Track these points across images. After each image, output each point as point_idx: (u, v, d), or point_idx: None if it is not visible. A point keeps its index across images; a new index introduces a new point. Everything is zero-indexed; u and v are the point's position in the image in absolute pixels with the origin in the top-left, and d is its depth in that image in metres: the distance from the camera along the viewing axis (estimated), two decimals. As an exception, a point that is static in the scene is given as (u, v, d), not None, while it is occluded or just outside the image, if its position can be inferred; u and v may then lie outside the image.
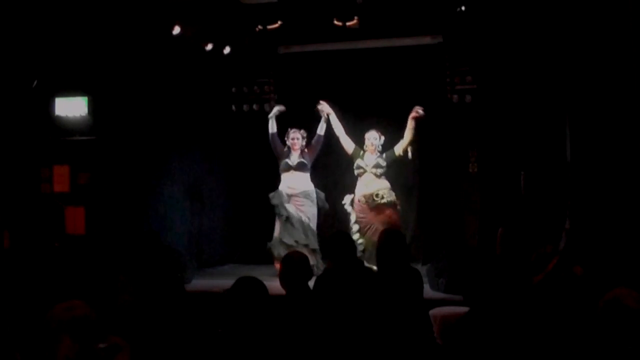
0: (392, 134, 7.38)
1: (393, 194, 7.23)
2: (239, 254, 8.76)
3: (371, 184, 7.18)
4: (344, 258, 4.25)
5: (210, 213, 8.74)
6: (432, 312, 4.80)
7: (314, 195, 7.45)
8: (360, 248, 6.95)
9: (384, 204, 7.12)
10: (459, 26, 7.61)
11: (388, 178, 7.37)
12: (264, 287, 3.08)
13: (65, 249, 7.00)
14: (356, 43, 8.22)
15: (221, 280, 6.78)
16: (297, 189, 7.38)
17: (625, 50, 5.89)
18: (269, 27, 7.48)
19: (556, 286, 3.94)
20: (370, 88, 8.41)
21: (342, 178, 8.00)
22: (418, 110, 7.11)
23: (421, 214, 8.39)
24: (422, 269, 6.07)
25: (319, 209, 7.48)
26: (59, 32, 7.17)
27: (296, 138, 7.44)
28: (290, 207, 7.33)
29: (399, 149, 7.23)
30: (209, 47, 7.79)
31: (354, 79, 8.44)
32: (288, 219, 7.28)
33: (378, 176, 7.19)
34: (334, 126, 7.37)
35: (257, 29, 7.57)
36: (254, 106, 8.70)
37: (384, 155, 7.26)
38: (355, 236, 7.02)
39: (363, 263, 5.16)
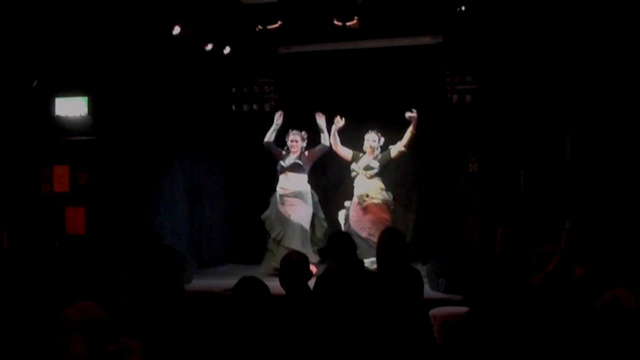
0: (392, 134, 7.39)
1: (386, 194, 7.37)
2: (239, 254, 8.76)
3: (363, 185, 7.34)
4: (344, 258, 4.25)
5: (210, 213, 8.74)
6: (432, 312, 4.80)
7: (308, 196, 7.44)
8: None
9: (374, 203, 7.28)
10: (459, 26, 7.61)
11: (388, 178, 7.40)
12: (265, 288, 3.09)
13: (65, 249, 7.02)
14: (356, 43, 8.21)
15: (221, 280, 6.77)
16: (288, 189, 7.39)
17: (625, 50, 5.90)
18: (269, 27, 7.48)
19: (556, 286, 3.95)
20: (370, 88, 8.41)
21: (343, 181, 8.01)
22: (412, 113, 7.13)
23: (421, 214, 8.38)
24: (422, 269, 6.06)
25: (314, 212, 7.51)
26: (59, 32, 7.17)
27: (295, 140, 7.43)
28: (282, 208, 7.35)
29: (394, 151, 7.28)
30: (209, 47, 7.78)
31: (354, 79, 8.43)
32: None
33: (370, 177, 7.31)
34: (333, 143, 7.40)
35: (257, 29, 7.57)
36: (254, 106, 8.69)
37: (379, 156, 7.33)
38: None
39: (363, 263, 5.16)
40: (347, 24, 7.27)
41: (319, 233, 7.50)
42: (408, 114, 7.14)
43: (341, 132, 7.44)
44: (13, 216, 7.19)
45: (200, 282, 6.94)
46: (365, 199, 7.27)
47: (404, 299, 3.90)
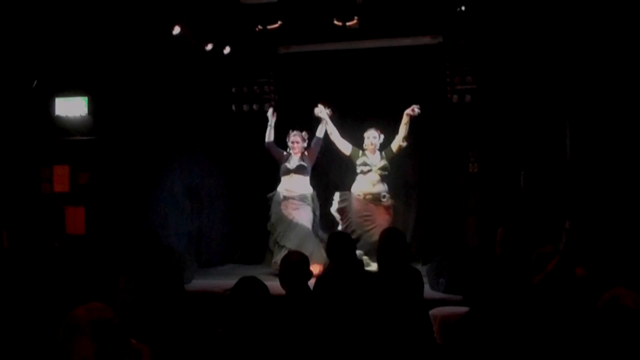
0: (392, 134, 7.39)
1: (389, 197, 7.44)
2: (239, 254, 8.76)
3: (377, 184, 7.31)
4: (344, 258, 4.25)
5: (210, 213, 8.73)
6: (432, 312, 4.80)
7: (312, 199, 7.46)
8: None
9: (388, 206, 7.33)
10: (459, 26, 7.61)
11: (388, 178, 7.40)
12: (265, 288, 3.09)
13: (65, 249, 7.02)
14: (356, 43, 8.22)
15: (221, 280, 6.78)
16: (294, 192, 7.38)
17: (625, 50, 5.90)
18: (269, 27, 7.48)
19: (556, 286, 3.94)
20: (370, 88, 8.41)
21: (343, 179, 8.00)
22: (414, 109, 7.15)
23: (421, 213, 8.39)
24: (422, 269, 6.06)
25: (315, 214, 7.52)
26: (59, 32, 7.18)
27: (296, 141, 7.44)
28: (285, 210, 7.35)
29: (395, 146, 7.31)
30: (209, 47, 7.79)
31: (354, 79, 8.43)
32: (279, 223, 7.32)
33: (383, 177, 7.31)
34: (329, 131, 7.39)
35: (257, 29, 7.57)
36: (254, 106, 8.68)
37: (383, 155, 7.34)
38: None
39: (363, 263, 5.16)
40: (347, 24, 7.28)
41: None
42: (409, 111, 7.14)
43: (341, 130, 7.44)
44: (13, 216, 7.19)
45: (200, 282, 6.93)
46: (382, 200, 7.28)
47: (404, 299, 3.90)
